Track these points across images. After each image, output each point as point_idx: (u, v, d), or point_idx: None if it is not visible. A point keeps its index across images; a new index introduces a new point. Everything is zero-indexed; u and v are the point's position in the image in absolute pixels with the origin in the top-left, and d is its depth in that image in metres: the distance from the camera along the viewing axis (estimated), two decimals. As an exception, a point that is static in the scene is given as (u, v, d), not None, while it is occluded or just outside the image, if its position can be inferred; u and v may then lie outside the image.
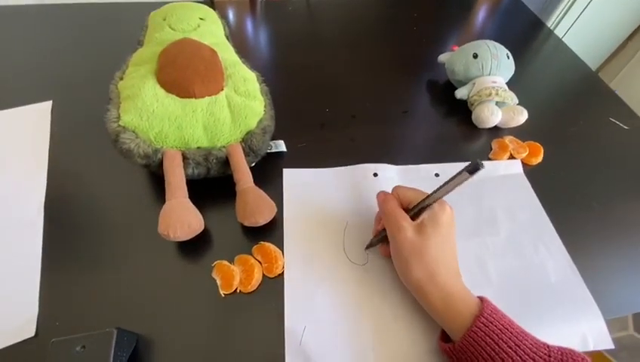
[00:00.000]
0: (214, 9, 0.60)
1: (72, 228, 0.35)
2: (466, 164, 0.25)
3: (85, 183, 0.38)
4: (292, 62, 0.56)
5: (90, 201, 0.37)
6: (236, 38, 0.60)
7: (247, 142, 0.35)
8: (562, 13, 0.70)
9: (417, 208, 0.30)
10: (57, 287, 0.31)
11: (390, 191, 0.32)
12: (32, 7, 0.61)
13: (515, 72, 0.50)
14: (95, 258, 0.33)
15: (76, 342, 0.25)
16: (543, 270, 0.35)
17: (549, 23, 0.71)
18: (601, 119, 0.50)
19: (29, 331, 0.28)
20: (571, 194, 0.41)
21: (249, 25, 0.64)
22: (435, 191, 0.29)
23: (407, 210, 0.30)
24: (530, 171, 0.43)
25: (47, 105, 0.44)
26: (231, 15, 0.64)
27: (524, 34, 0.66)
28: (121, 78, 0.36)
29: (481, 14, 0.71)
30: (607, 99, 0.54)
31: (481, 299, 0.28)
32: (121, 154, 0.32)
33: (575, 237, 0.37)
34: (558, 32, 0.72)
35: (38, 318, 0.29)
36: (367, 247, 0.34)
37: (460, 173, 0.26)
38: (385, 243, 0.33)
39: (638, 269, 0.36)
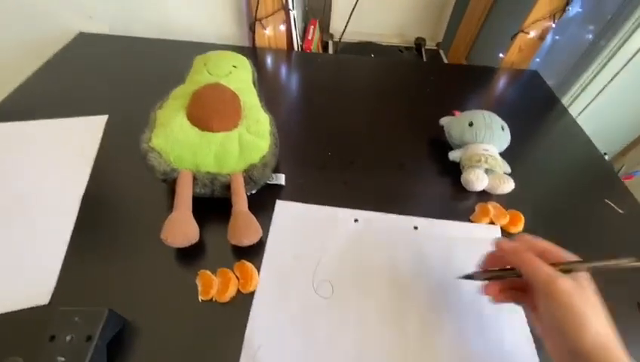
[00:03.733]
0: (256, 54, 0.71)
1: (100, 220, 0.43)
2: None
3: (118, 187, 0.46)
4: (310, 107, 0.64)
5: (120, 202, 0.45)
6: (270, 80, 0.70)
7: (249, 173, 0.41)
8: (578, 92, 0.72)
9: (566, 266, 0.27)
10: (75, 267, 0.38)
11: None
12: (108, 37, 0.75)
13: (521, 142, 0.53)
14: (111, 248, 0.40)
15: (76, 314, 0.31)
16: (500, 336, 0.36)
17: (565, 100, 0.74)
18: (597, 200, 0.51)
19: (45, 299, 0.35)
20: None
21: (283, 70, 0.74)
22: (590, 262, 0.27)
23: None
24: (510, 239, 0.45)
25: (102, 119, 0.54)
26: (269, 60, 0.74)
27: (538, 107, 0.69)
28: (160, 107, 0.44)
29: (498, 84, 0.76)
30: (608, 180, 0.55)
31: None
32: (147, 169, 0.40)
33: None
34: (574, 110, 0.74)
35: (54, 290, 0.36)
36: (465, 277, 0.34)
37: (630, 259, 0.26)
38: (494, 283, 0.32)
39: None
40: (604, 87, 0.70)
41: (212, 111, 0.41)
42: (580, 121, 0.66)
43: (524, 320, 0.37)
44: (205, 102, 0.41)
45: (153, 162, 0.39)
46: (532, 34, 0.73)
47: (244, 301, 0.37)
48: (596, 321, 0.24)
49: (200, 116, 0.41)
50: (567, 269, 0.27)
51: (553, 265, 0.27)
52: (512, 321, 0.37)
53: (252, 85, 0.51)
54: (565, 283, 0.25)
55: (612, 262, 0.26)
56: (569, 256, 0.28)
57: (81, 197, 0.43)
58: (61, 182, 0.45)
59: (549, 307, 0.26)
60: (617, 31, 0.63)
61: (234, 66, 0.50)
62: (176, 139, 0.39)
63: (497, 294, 0.31)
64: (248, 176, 0.41)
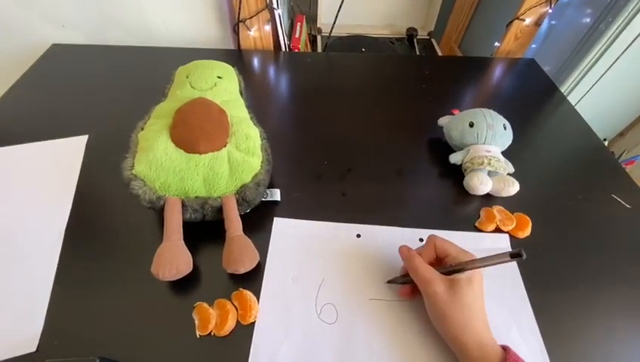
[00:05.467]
0: (241, 57, 0.67)
1: (86, 254, 0.40)
2: (511, 250, 0.28)
3: (104, 215, 0.44)
4: (302, 112, 0.61)
5: (106, 232, 0.42)
6: (258, 84, 0.67)
7: (241, 194, 0.39)
8: (578, 78, 0.70)
9: (452, 269, 0.32)
10: (61, 308, 0.36)
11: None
12: (82, 47, 0.71)
13: (521, 136, 0.51)
14: (99, 285, 0.38)
15: (65, 365, 0.29)
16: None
17: (564, 88, 0.71)
18: (603, 195, 0.50)
19: (32, 346, 0.33)
20: (557, 274, 0.41)
21: (271, 73, 0.70)
22: (473, 261, 0.32)
23: (438, 260, 0.35)
24: (517, 245, 0.43)
25: (82, 139, 0.51)
26: (255, 63, 0.71)
27: (537, 97, 0.67)
28: (142, 128, 0.41)
29: (495, 75, 0.73)
30: (613, 173, 0.53)
31: (505, 349, 0.30)
32: (132, 197, 0.37)
33: (554, 322, 0.37)
34: (573, 97, 0.72)
35: (40, 335, 0.34)
36: (390, 282, 0.38)
37: (502, 254, 0.29)
38: (407, 285, 0.36)
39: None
40: (604, 73, 0.68)
41: (198, 131, 0.38)
42: (578, 107, 0.64)
43: (537, 333, 0.36)
44: (190, 122, 0.39)
45: (138, 191, 0.36)
46: (528, 20, 0.70)
47: (244, 333, 0.35)
48: (455, 318, 0.30)
49: (185, 138, 0.38)
50: (460, 269, 0.32)
51: (452, 266, 0.33)
52: (525, 337, 0.35)
53: (239, 96, 0.48)
54: (436, 288, 0.31)
55: (490, 262, 0.30)
56: (466, 257, 0.33)
57: (63, 230, 0.41)
58: (41, 215, 0.42)
59: (425, 303, 0.33)
60: (618, 14, 0.60)
61: (219, 77, 0.47)
62: (161, 165, 0.37)
63: (409, 295, 0.35)
64: (241, 197, 0.39)
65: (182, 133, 0.38)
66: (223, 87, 0.46)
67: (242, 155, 0.40)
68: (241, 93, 0.49)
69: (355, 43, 0.95)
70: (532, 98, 0.67)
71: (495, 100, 0.67)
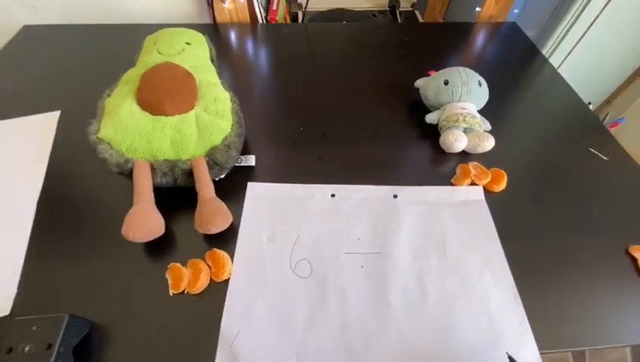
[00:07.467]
0: (217, 30, 0.66)
1: (59, 222, 0.40)
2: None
3: (77, 186, 0.43)
4: (279, 82, 0.60)
5: (79, 200, 0.42)
6: (235, 57, 0.66)
7: (211, 157, 0.39)
8: (558, 40, 0.69)
9: None
10: (35, 273, 0.36)
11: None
12: (54, 27, 0.69)
13: (503, 98, 0.51)
14: (73, 251, 0.38)
15: (34, 322, 0.29)
16: (485, 297, 0.35)
17: (545, 50, 0.71)
18: (581, 149, 0.50)
19: (5, 310, 0.33)
20: (530, 226, 0.41)
21: (248, 45, 0.69)
22: None
23: None
24: (493, 198, 0.43)
25: (55, 115, 0.50)
26: (232, 36, 0.70)
27: (519, 60, 0.66)
28: (109, 95, 0.41)
29: (477, 39, 0.72)
30: (591, 129, 0.53)
31: None
32: (100, 162, 0.37)
33: (526, 270, 0.37)
34: (555, 59, 0.71)
35: (14, 299, 0.34)
36: None
37: None
38: None
39: (585, 309, 0.35)
40: (583, 34, 0.67)
41: (163, 93, 0.38)
42: (563, 72, 0.63)
43: (510, 278, 0.36)
44: (155, 84, 0.38)
45: (104, 154, 0.36)
46: (508, -18, 0.69)
47: (218, 290, 0.35)
48: None
49: (150, 100, 0.37)
50: None
51: None
52: (498, 282, 0.36)
53: (210, 63, 0.48)
54: None
55: None
56: None
57: (36, 199, 0.41)
58: (14, 186, 0.42)
59: None
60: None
61: (187, 43, 0.46)
62: (126, 128, 0.36)
63: None
64: (211, 159, 0.39)
65: (146, 96, 0.38)
66: (191, 52, 0.45)
67: (211, 117, 0.39)
68: (212, 61, 0.49)
69: (336, 17, 0.93)
70: (514, 61, 0.66)
71: (476, 64, 0.67)
